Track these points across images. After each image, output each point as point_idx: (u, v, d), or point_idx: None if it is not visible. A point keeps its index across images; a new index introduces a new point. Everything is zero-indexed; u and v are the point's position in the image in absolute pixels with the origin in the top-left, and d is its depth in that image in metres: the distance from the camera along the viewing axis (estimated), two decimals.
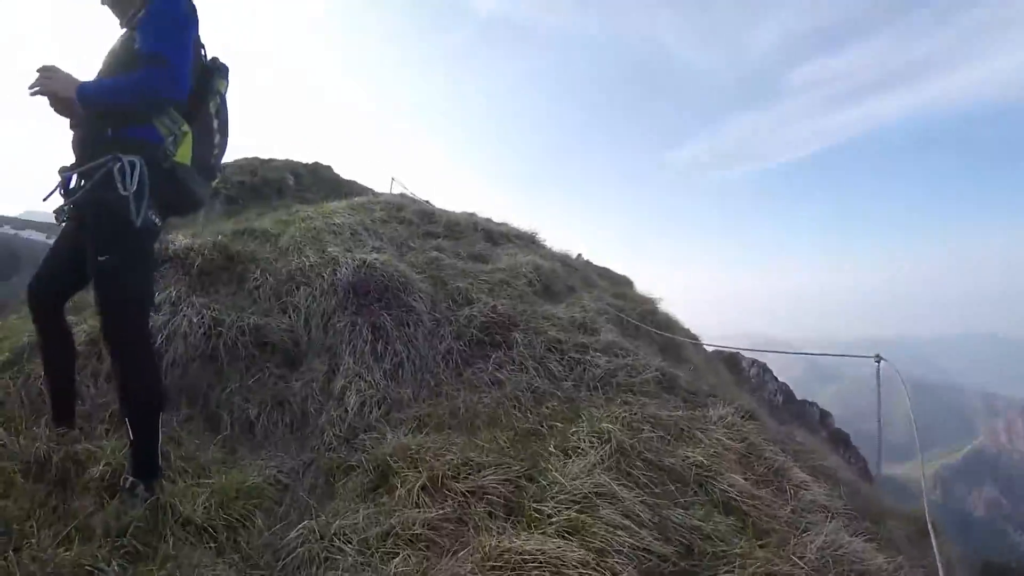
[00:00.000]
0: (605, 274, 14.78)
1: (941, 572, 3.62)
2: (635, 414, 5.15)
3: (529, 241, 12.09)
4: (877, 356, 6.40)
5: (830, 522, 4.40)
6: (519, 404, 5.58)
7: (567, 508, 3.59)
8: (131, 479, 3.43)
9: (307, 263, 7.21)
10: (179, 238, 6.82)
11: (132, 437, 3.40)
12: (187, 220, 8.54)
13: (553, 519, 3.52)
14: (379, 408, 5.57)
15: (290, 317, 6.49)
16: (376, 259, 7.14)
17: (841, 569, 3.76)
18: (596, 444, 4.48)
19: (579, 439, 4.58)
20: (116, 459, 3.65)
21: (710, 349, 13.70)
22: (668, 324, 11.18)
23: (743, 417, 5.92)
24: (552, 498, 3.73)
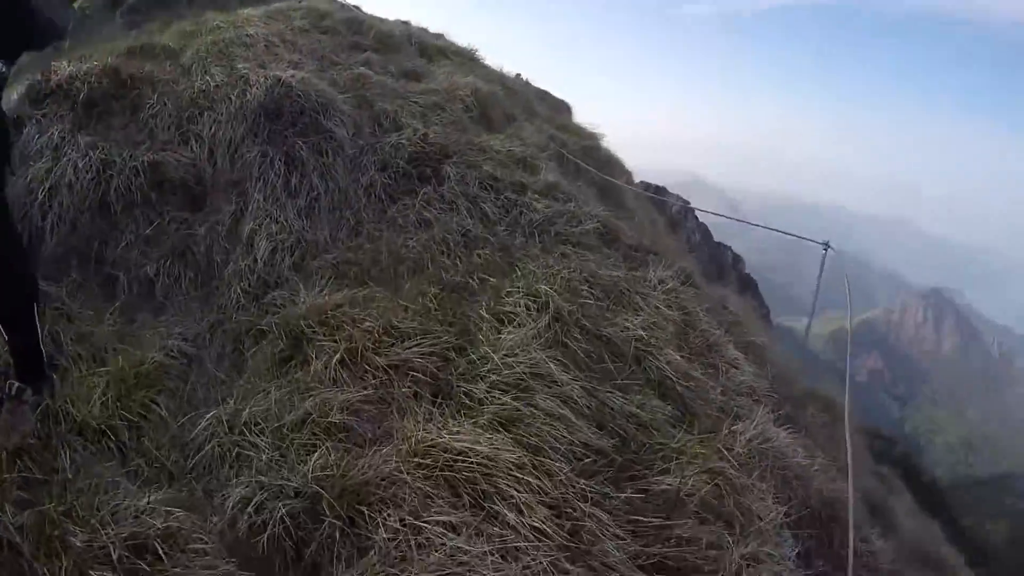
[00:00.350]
0: (545, 98, 14.14)
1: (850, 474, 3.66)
2: (574, 271, 4.81)
3: (468, 59, 10.95)
4: (826, 244, 6.54)
5: (758, 409, 4.40)
6: (448, 250, 5.15)
7: (501, 393, 3.32)
8: (15, 384, 2.99)
9: (212, 84, 6.25)
10: (63, 65, 5.75)
11: (7, 337, 2.97)
12: (77, 43, 7.24)
13: (485, 407, 3.26)
14: (292, 254, 5.05)
15: (192, 149, 5.69)
16: (292, 77, 6.21)
17: (765, 464, 3.79)
18: (532, 310, 4.14)
19: (514, 303, 4.21)
20: None
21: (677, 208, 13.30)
22: (609, 163, 10.79)
23: (683, 282, 5.78)
24: (484, 378, 3.45)
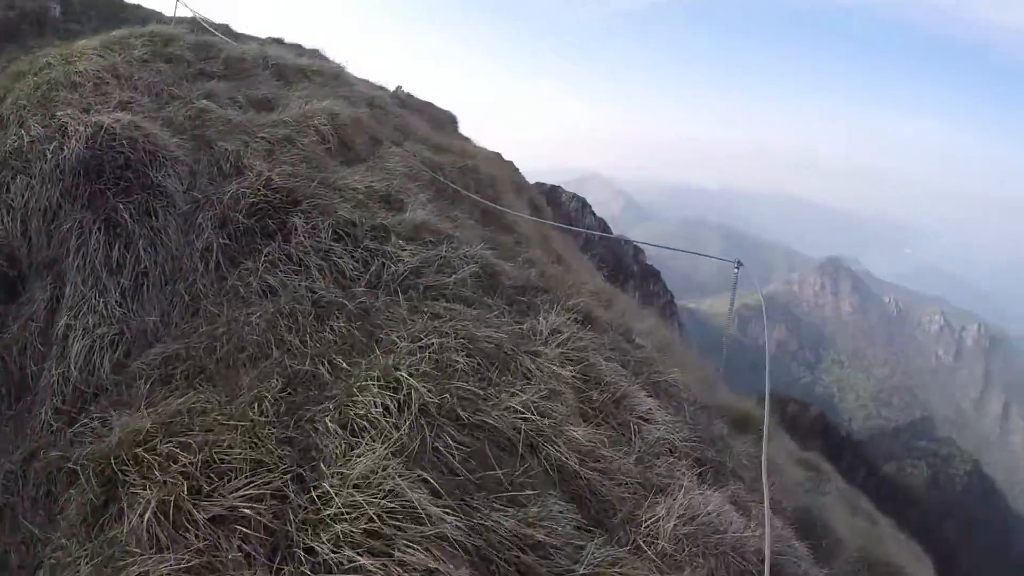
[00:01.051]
0: (426, 111, 13.48)
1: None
2: (447, 337, 4.09)
3: (332, 78, 9.98)
4: (737, 262, 6.48)
5: (680, 472, 4.07)
6: (296, 325, 4.30)
7: (352, 549, 2.56)
8: None
9: (26, 139, 5.32)
10: None
11: None
12: None
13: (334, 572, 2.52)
14: (114, 351, 4.21)
15: (4, 223, 4.84)
16: (117, 122, 5.27)
17: (697, 549, 3.36)
18: (392, 410, 3.38)
19: (370, 402, 3.40)
20: None
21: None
22: (492, 182, 10.11)
23: (581, 321, 5.25)
24: (329, 527, 2.67)
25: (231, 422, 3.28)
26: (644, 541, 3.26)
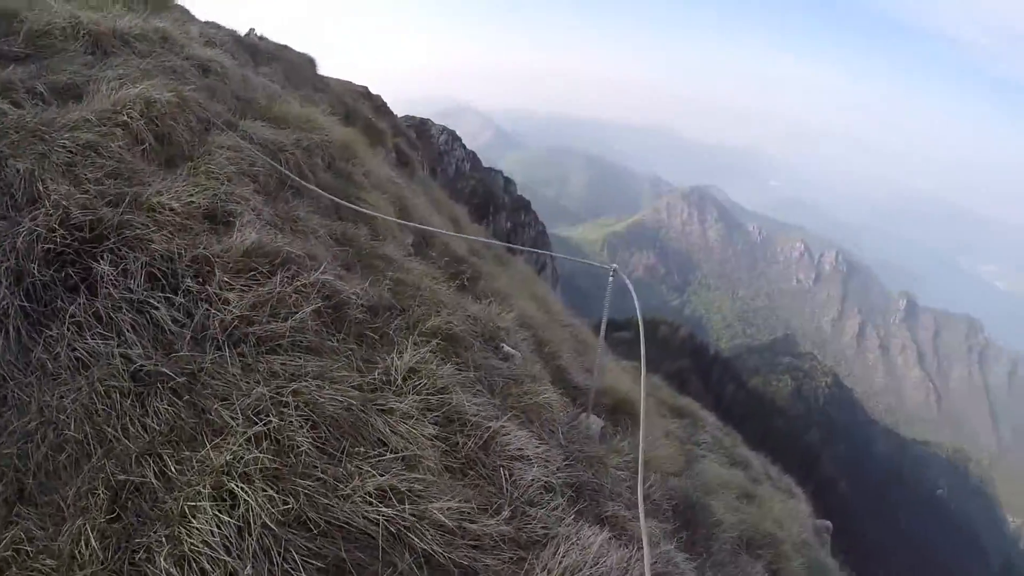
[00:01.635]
0: (281, 57, 12.46)
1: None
2: (286, 409, 3.53)
3: (159, 42, 8.01)
4: (614, 270, 6.16)
5: (557, 523, 3.85)
6: (115, 410, 3.49)
7: None
8: None
9: None
10: None
11: None
12: None
13: None
14: None
15: None
16: None
17: None
18: (229, 539, 2.86)
19: (204, 528, 2.86)
20: None
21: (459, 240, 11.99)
22: (346, 152, 9.27)
23: (440, 348, 4.86)
24: None
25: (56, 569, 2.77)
26: None
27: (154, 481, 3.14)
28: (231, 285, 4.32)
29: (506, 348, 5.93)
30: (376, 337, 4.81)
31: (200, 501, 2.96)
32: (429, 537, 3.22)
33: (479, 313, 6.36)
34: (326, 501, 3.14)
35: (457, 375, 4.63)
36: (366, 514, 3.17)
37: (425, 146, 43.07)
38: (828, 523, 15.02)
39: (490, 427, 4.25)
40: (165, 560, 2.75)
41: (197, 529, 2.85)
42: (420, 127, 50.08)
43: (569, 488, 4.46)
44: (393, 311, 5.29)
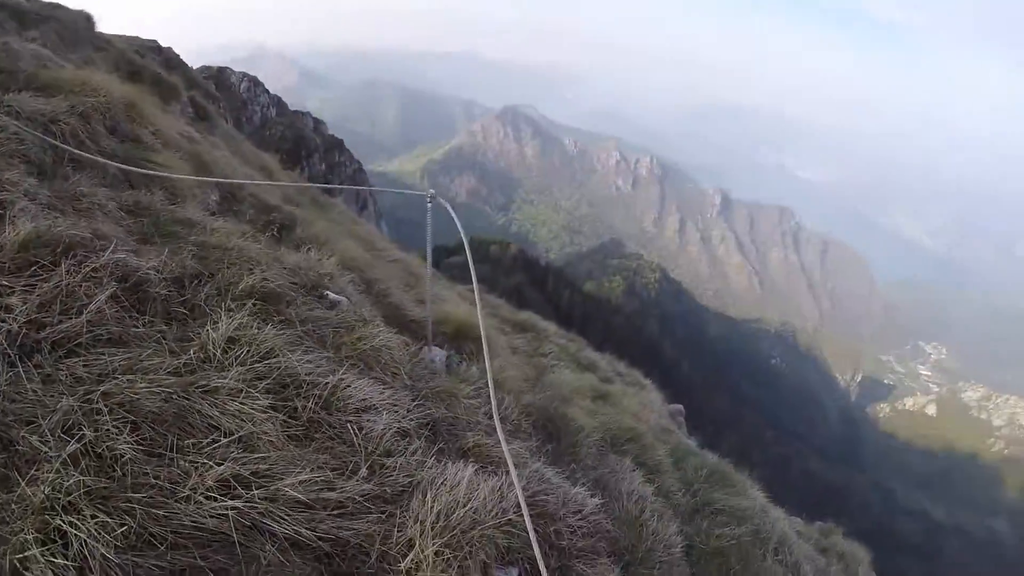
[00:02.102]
0: (52, 16, 11.14)
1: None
2: (100, 417, 3.07)
3: None
4: (432, 195, 5.89)
5: (420, 468, 3.72)
6: None
7: None
8: None
9: None
10: None
11: None
12: None
13: None
14: None
15: None
16: None
17: (464, 553, 3.19)
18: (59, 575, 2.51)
19: (32, 574, 2.49)
20: None
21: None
22: (131, 113, 8.38)
23: (259, 309, 4.47)
24: None
25: None
26: None
27: None
28: (11, 288, 3.71)
29: (331, 296, 5.58)
30: (186, 312, 4.33)
31: (28, 549, 2.51)
32: (288, 519, 2.95)
33: (298, 263, 5.94)
34: (166, 510, 2.78)
35: (282, 335, 4.25)
36: (213, 511, 2.84)
37: (226, 97, 40.55)
38: (680, 407, 15.82)
39: (328, 383, 3.95)
40: None
41: None
42: (219, 77, 46.90)
43: (424, 428, 4.30)
44: (201, 279, 4.77)
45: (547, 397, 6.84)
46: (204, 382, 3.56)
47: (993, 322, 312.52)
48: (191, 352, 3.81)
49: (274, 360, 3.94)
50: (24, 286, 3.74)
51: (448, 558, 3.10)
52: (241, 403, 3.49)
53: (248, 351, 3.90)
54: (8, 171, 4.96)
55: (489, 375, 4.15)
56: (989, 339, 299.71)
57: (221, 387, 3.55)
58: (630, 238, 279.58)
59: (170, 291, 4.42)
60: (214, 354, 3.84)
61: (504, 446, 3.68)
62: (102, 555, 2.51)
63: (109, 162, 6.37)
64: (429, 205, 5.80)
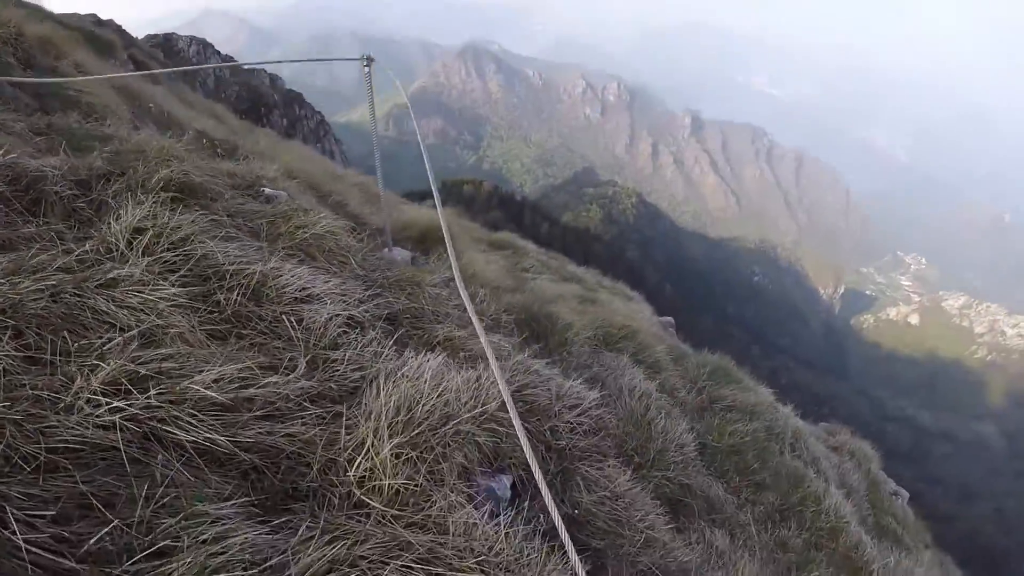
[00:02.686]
0: None
1: None
2: None
3: None
4: (367, 58, 5.33)
5: (375, 359, 3.10)
6: None
7: None
8: None
9: None
10: None
11: None
12: None
13: None
14: None
15: None
16: None
17: (434, 455, 2.57)
18: None
19: None
20: None
21: None
22: (48, 47, 7.80)
23: (175, 200, 3.80)
24: None
25: None
26: (361, 491, 2.33)
27: None
28: None
29: (268, 191, 4.80)
30: (91, 211, 3.66)
31: None
32: (198, 423, 2.28)
33: (233, 169, 5.19)
34: (41, 424, 2.12)
35: (202, 223, 3.51)
36: (99, 420, 2.18)
37: (176, 63, 38.85)
38: (670, 319, 15.19)
39: (255, 271, 3.20)
40: None
41: None
42: (166, 44, 45.21)
43: (380, 320, 3.57)
44: (111, 177, 4.04)
45: (530, 296, 6.14)
46: (102, 275, 2.88)
47: (969, 231, 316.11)
48: (87, 246, 3.14)
49: (189, 248, 3.22)
50: None
51: (412, 459, 2.41)
52: (146, 295, 2.80)
53: (158, 241, 3.21)
54: None
55: (450, 248, 3.39)
56: (966, 248, 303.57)
57: (120, 279, 2.88)
58: (603, 166, 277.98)
59: (74, 192, 3.76)
60: (116, 246, 3.16)
61: (476, 322, 2.95)
62: None
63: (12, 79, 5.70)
64: (366, 71, 5.07)
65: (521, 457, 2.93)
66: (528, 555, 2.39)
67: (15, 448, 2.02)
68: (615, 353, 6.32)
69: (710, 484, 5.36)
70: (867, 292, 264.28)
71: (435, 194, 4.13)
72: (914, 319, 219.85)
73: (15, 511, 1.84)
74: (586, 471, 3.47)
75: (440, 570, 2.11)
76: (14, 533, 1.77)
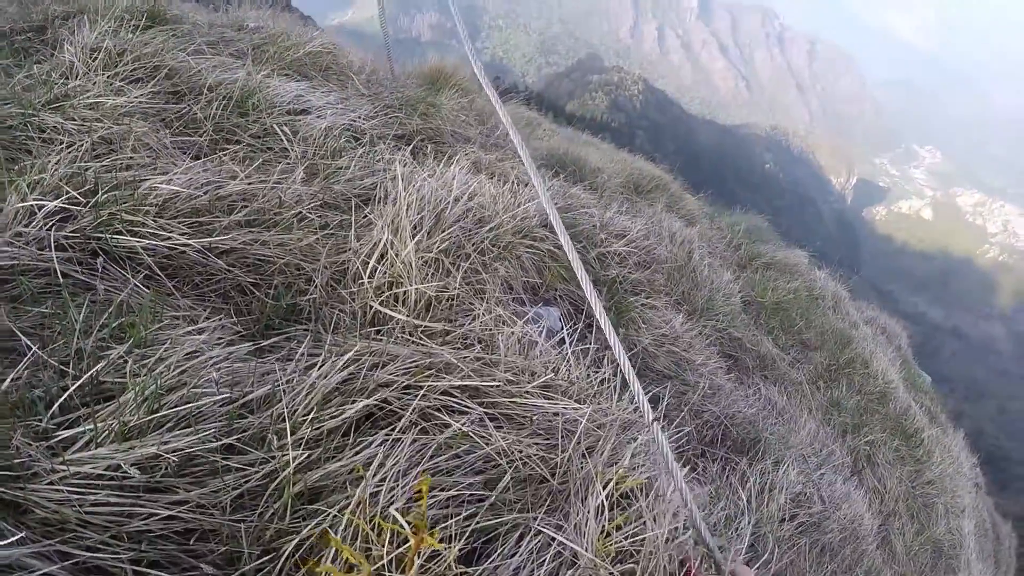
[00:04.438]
0: None
1: None
2: None
3: None
4: None
5: (391, 165, 2.65)
6: None
7: None
8: None
9: None
10: None
11: None
12: None
13: None
14: None
15: None
16: None
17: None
18: None
19: None
20: None
21: None
22: None
23: (143, 25, 3.16)
24: None
25: None
26: (379, 302, 1.88)
27: None
28: None
29: (252, 23, 4.16)
30: (48, 50, 3.08)
31: None
32: (161, 229, 1.74)
33: (213, 19, 4.57)
34: None
35: (172, 38, 2.98)
36: (36, 236, 1.71)
37: None
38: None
39: (237, 82, 2.66)
40: None
41: None
42: None
43: (389, 139, 3.03)
44: (69, 17, 3.47)
45: (557, 141, 5.61)
46: (47, 94, 2.38)
47: (987, 128, 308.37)
48: (35, 70, 2.64)
49: (158, 62, 2.67)
50: None
51: (443, 266, 1.89)
52: (102, 104, 2.29)
53: (120, 57, 2.68)
54: None
55: (471, 58, 2.80)
56: (982, 142, 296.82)
57: (72, 92, 2.39)
58: (608, 52, 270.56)
59: (28, 36, 3.24)
60: (73, 68, 2.63)
61: (511, 131, 2.38)
62: None
63: None
64: None
65: (566, 289, 2.45)
66: (600, 383, 1.92)
67: None
68: (649, 201, 5.82)
69: (760, 339, 4.97)
70: (880, 184, 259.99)
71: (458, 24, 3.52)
72: (927, 213, 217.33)
73: None
74: (641, 308, 3.01)
75: (493, 397, 1.63)
76: None
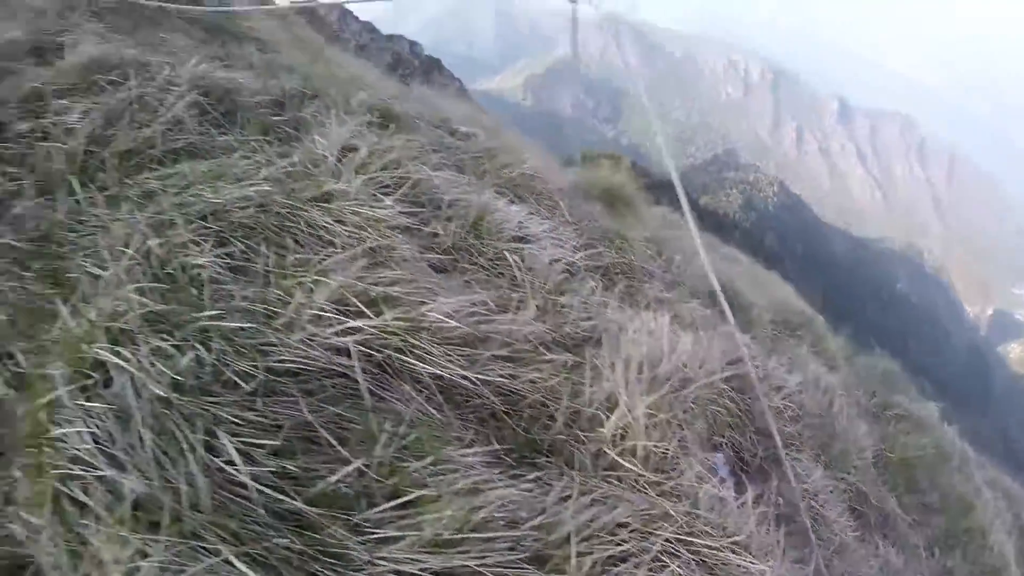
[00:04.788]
0: None
1: None
2: (168, 232, 2.37)
3: None
4: None
5: (602, 309, 3.02)
6: None
7: None
8: None
9: None
10: None
11: None
12: None
13: None
14: None
15: None
16: None
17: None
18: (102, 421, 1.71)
19: (67, 427, 1.68)
20: None
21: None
22: None
23: (378, 124, 3.78)
24: None
25: None
26: (615, 451, 2.19)
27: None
28: (70, 108, 3.07)
29: (464, 129, 4.75)
30: (290, 130, 3.60)
31: (57, 388, 1.76)
32: (438, 355, 2.17)
33: (422, 109, 5.15)
34: (258, 340, 2.00)
35: (412, 145, 3.47)
36: (328, 342, 2.06)
37: (317, 29, 40.28)
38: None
39: (472, 203, 3.13)
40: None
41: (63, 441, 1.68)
42: (306, 10, 46.92)
43: (595, 271, 3.46)
44: (304, 98, 4.05)
45: (716, 268, 5.97)
46: (313, 189, 2.80)
47: None
48: (295, 158, 3.08)
49: (402, 171, 3.15)
50: (86, 104, 3.10)
51: (660, 424, 2.28)
52: (367, 214, 2.72)
53: (370, 160, 3.13)
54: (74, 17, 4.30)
55: (681, 194, 3.24)
56: None
57: (335, 193, 2.79)
58: (745, 149, 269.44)
59: (268, 109, 3.75)
60: (326, 160, 3.09)
61: (712, 278, 2.79)
62: (155, 395, 1.74)
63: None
64: (574, 5, 4.85)
65: (732, 436, 2.79)
66: (774, 539, 2.26)
67: (226, 364, 1.89)
68: (796, 340, 6.08)
69: (884, 496, 5.10)
70: (1017, 317, 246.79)
71: (674, 176, 3.98)
72: None
73: (231, 438, 1.68)
74: (791, 461, 3.31)
75: (699, 548, 1.99)
76: (229, 462, 1.64)
